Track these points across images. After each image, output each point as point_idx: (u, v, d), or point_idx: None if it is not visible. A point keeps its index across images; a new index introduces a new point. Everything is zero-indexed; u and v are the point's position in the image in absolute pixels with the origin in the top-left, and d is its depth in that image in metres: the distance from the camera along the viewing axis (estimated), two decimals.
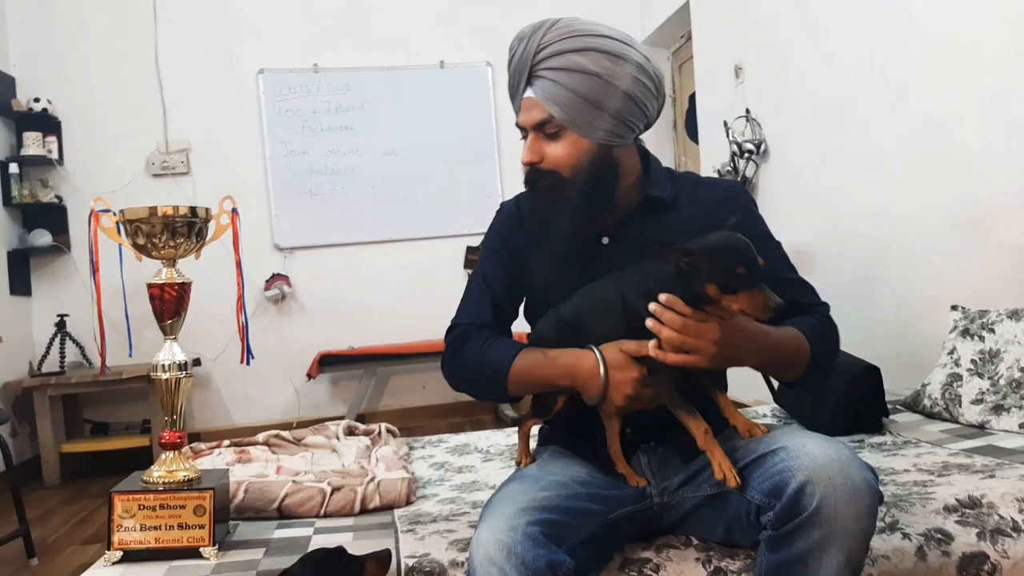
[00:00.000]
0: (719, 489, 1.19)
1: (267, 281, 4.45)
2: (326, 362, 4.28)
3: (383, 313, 4.55)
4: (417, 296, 4.53)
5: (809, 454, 1.07)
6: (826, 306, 1.34)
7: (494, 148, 4.75)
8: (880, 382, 2.00)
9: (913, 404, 2.15)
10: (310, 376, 4.30)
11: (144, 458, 3.81)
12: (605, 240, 1.35)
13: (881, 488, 1.11)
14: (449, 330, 1.42)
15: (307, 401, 4.54)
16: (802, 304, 1.31)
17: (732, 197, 1.38)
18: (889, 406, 2.06)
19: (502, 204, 1.50)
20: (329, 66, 4.63)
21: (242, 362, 1.50)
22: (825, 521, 1.02)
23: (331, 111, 4.65)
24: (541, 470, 1.25)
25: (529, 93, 1.28)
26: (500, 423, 4.30)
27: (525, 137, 1.31)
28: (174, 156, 4.43)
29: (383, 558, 1.17)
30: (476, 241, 4.74)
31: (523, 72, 1.28)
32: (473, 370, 1.36)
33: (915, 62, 2.52)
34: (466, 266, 4.69)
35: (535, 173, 1.30)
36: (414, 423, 4.40)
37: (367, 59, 4.66)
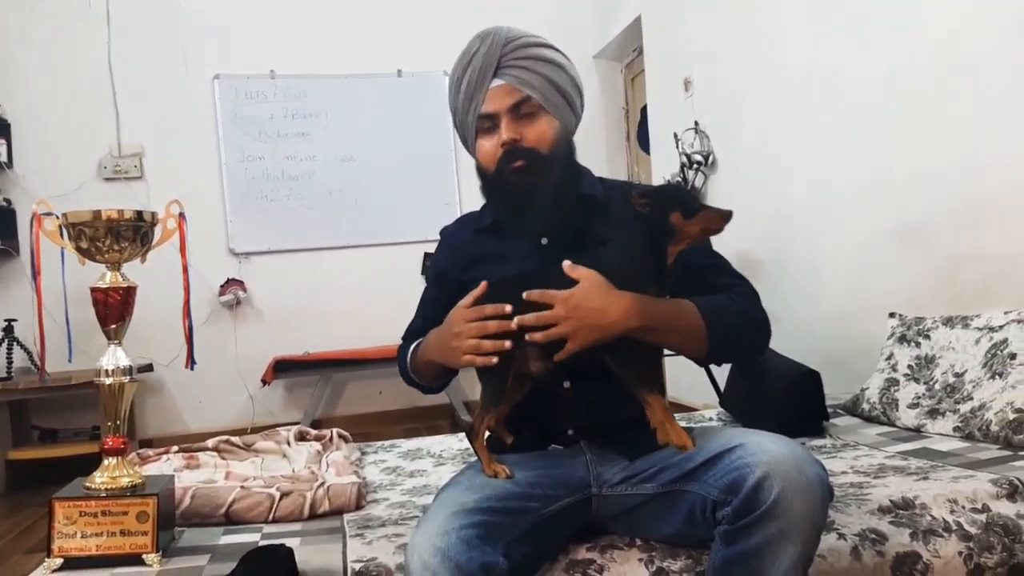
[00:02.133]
0: (665, 489, 1.22)
1: (222, 286, 4.40)
2: (281, 368, 4.24)
3: (339, 319, 4.52)
4: (373, 302, 4.51)
5: (766, 450, 1.10)
6: (742, 285, 1.36)
7: (451, 155, 4.76)
8: (820, 386, 2.06)
9: (852, 408, 2.21)
10: (265, 382, 4.25)
11: (93, 465, 3.71)
12: (544, 241, 1.39)
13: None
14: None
15: (262, 407, 4.49)
16: (717, 284, 1.34)
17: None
18: (829, 410, 2.11)
19: (443, 228, 1.57)
20: (286, 72, 4.60)
21: (187, 367, 1.49)
22: (782, 514, 1.06)
23: (288, 117, 4.62)
24: (473, 476, 1.27)
25: (498, 82, 1.35)
26: (456, 428, 4.31)
27: (490, 128, 1.37)
28: (127, 160, 4.36)
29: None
30: (433, 248, 4.72)
31: (491, 64, 1.35)
32: (400, 367, 1.53)
33: (857, 79, 2.61)
34: (423, 272, 4.69)
35: (515, 151, 1.35)
36: (370, 429, 4.37)
37: (324, 66, 4.64)
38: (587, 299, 1.19)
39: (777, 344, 2.30)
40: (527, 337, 1.20)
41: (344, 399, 4.69)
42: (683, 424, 1.34)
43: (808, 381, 2.04)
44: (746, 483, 1.08)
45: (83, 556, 1.28)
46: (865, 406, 2.16)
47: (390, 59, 4.73)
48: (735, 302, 1.31)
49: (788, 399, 2.01)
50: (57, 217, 1.34)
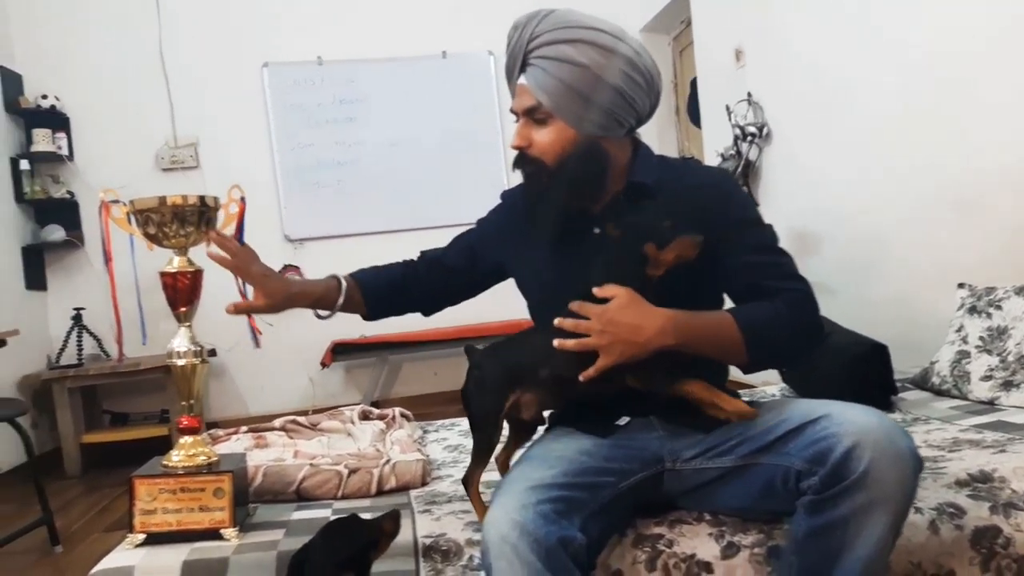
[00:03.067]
0: (743, 461, 1.21)
1: (279, 272, 4.48)
2: (339, 351, 4.32)
3: None
4: None
5: (854, 420, 1.09)
6: (794, 291, 1.27)
7: (498, 136, 4.76)
8: (888, 360, 2.01)
9: (921, 382, 2.16)
10: (324, 365, 4.34)
11: (163, 447, 3.82)
12: (597, 230, 1.36)
13: None
14: None
15: (321, 390, 4.58)
16: (765, 287, 1.27)
17: (714, 184, 1.37)
18: (897, 384, 2.07)
19: (506, 191, 1.55)
20: (333, 58, 4.64)
21: (257, 346, 1.53)
22: (872, 484, 1.04)
23: (335, 103, 4.67)
24: (547, 450, 1.27)
25: (522, 80, 1.31)
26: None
27: (517, 121, 1.35)
28: (183, 150, 4.46)
29: (394, 516, 1.21)
30: None
31: (517, 59, 1.31)
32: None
33: (918, 42, 2.52)
34: None
35: (522, 159, 1.34)
36: (426, 409, 4.42)
37: (370, 50, 4.67)
38: (622, 314, 1.17)
39: (841, 318, 2.27)
40: (556, 344, 1.19)
41: (400, 380, 4.76)
42: (747, 399, 1.33)
43: (875, 355, 1.99)
44: (834, 453, 1.07)
45: (164, 531, 1.33)
46: (935, 379, 2.10)
47: (435, 41, 4.73)
48: (779, 312, 1.24)
49: (855, 374, 1.96)
50: (124, 205, 1.38)
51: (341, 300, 1.42)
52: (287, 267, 4.51)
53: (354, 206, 4.65)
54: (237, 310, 1.35)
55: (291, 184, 4.59)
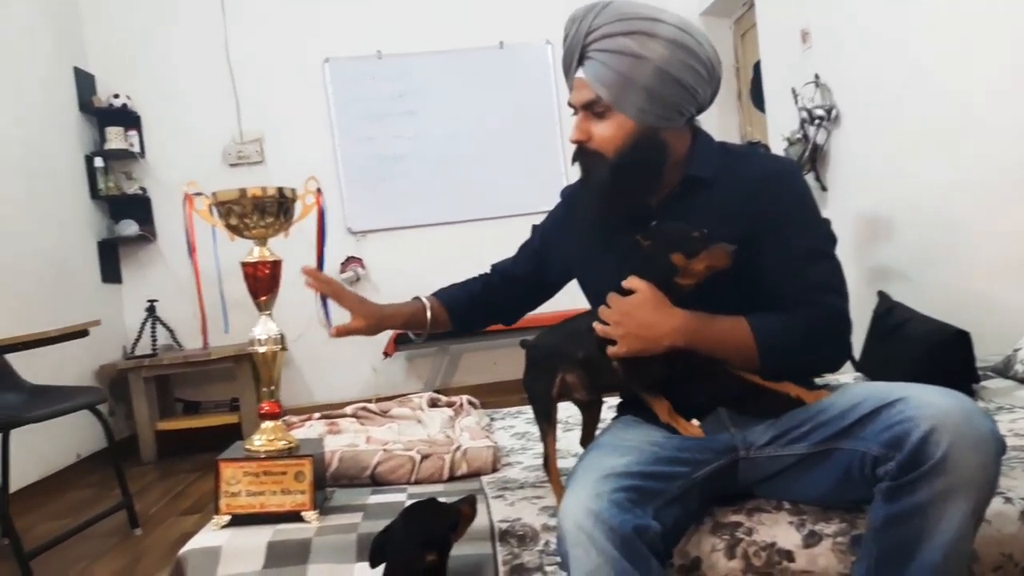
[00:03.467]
0: (818, 448, 1.18)
1: (342, 264, 4.56)
2: (401, 340, 4.38)
3: None
4: None
5: (932, 403, 1.06)
6: (826, 307, 1.25)
7: (556, 126, 4.75)
8: (970, 347, 1.94)
9: (1004, 370, 2.08)
10: (386, 354, 4.41)
11: (233, 435, 3.97)
12: (654, 224, 1.33)
13: None
14: None
15: (384, 379, 4.66)
16: (799, 296, 1.25)
17: (773, 177, 1.32)
18: (979, 372, 2.00)
19: (566, 187, 1.56)
20: (391, 52, 4.68)
21: (326, 327, 1.57)
22: (951, 469, 1.01)
23: (395, 96, 4.72)
24: (618, 439, 1.27)
25: (580, 73, 1.30)
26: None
27: (576, 114, 1.34)
28: (249, 146, 4.57)
29: (471, 500, 1.23)
30: (540, 219, 4.73)
31: (575, 52, 1.29)
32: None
33: (993, 20, 2.41)
34: None
35: (581, 152, 1.33)
36: (486, 398, 4.43)
37: (428, 43, 4.71)
38: (638, 310, 1.21)
39: (917, 304, 2.20)
40: (594, 326, 1.26)
41: (461, 370, 4.80)
42: (820, 384, 1.31)
43: (957, 342, 1.92)
44: (911, 437, 1.03)
45: (248, 513, 1.37)
46: (1018, 367, 2.02)
47: (491, 32, 4.74)
48: (802, 327, 1.23)
49: (934, 362, 1.90)
50: (207, 197, 1.42)
51: (429, 317, 1.52)
52: (350, 259, 4.59)
53: (414, 198, 4.70)
54: (339, 333, 1.44)
55: (352, 177, 4.67)
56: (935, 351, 1.92)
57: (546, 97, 4.76)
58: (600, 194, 1.32)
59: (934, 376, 1.87)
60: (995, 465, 1.04)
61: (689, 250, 1.22)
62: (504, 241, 4.93)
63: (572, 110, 1.34)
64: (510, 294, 1.59)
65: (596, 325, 1.25)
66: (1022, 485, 1.28)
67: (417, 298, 1.56)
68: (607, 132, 1.29)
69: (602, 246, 1.38)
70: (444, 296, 1.59)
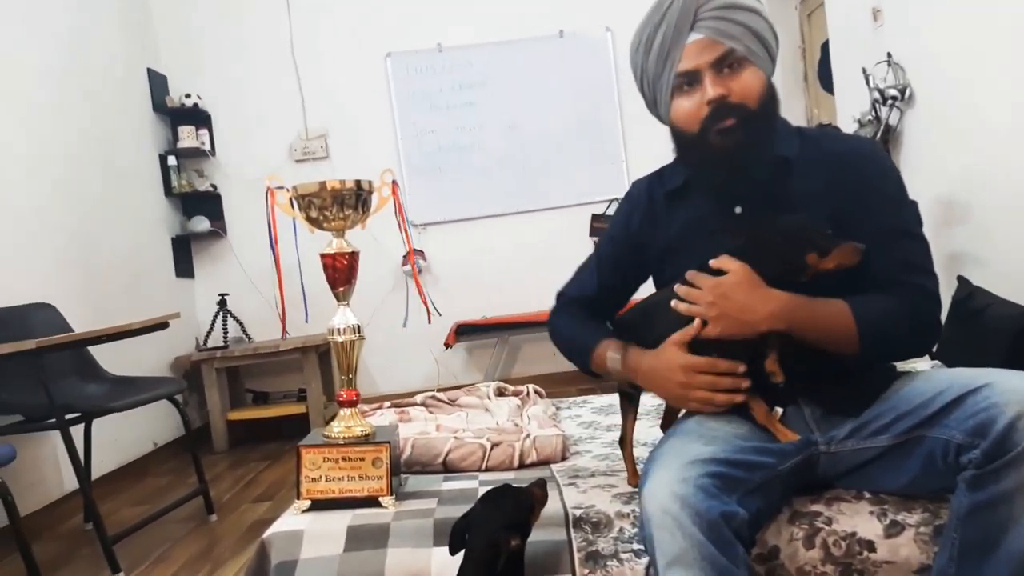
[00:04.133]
0: (901, 439, 1.16)
1: (404, 256, 4.62)
2: (462, 332, 4.42)
3: (513, 283, 4.63)
4: (546, 265, 4.55)
5: (1017, 389, 1.04)
6: (919, 287, 1.24)
7: (616, 114, 4.71)
8: None
9: None
10: (447, 345, 4.45)
11: (301, 424, 4.08)
12: (738, 209, 1.32)
13: None
14: (557, 295, 1.55)
15: (445, 369, 4.71)
16: (891, 276, 1.24)
17: (857, 153, 1.31)
18: None
19: (635, 182, 1.51)
20: (451, 44, 4.71)
21: (429, 322, 1.58)
22: None
23: (455, 88, 4.74)
24: (702, 426, 1.25)
25: (696, 36, 1.26)
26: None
27: (689, 85, 1.29)
28: (314, 142, 4.66)
29: (541, 484, 1.25)
30: (600, 208, 4.73)
31: (687, 17, 1.27)
32: (565, 340, 1.50)
33: None
34: (592, 234, 4.70)
35: (723, 108, 1.25)
36: (546, 389, 4.45)
37: (487, 34, 4.72)
38: (734, 291, 1.20)
39: (997, 288, 2.12)
40: (672, 304, 1.24)
41: (520, 361, 4.82)
42: (901, 372, 1.28)
43: None
44: (996, 424, 1.01)
45: (327, 498, 1.41)
46: None
47: (551, 21, 4.72)
48: (899, 308, 1.21)
49: (1017, 347, 1.84)
50: (288, 190, 1.46)
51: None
52: (412, 251, 4.65)
53: (475, 189, 4.73)
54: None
55: (414, 170, 4.72)
56: (1019, 336, 1.85)
57: (607, 85, 4.73)
58: (747, 148, 1.26)
59: (1017, 361, 1.83)
60: None
61: (822, 249, 1.19)
62: (564, 231, 4.98)
63: (684, 79, 1.28)
64: (613, 304, 1.53)
65: (681, 306, 1.23)
66: None
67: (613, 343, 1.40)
68: (748, 83, 1.26)
69: (718, 222, 1.33)
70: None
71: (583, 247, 4.64)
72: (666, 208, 1.40)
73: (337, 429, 1.45)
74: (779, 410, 1.31)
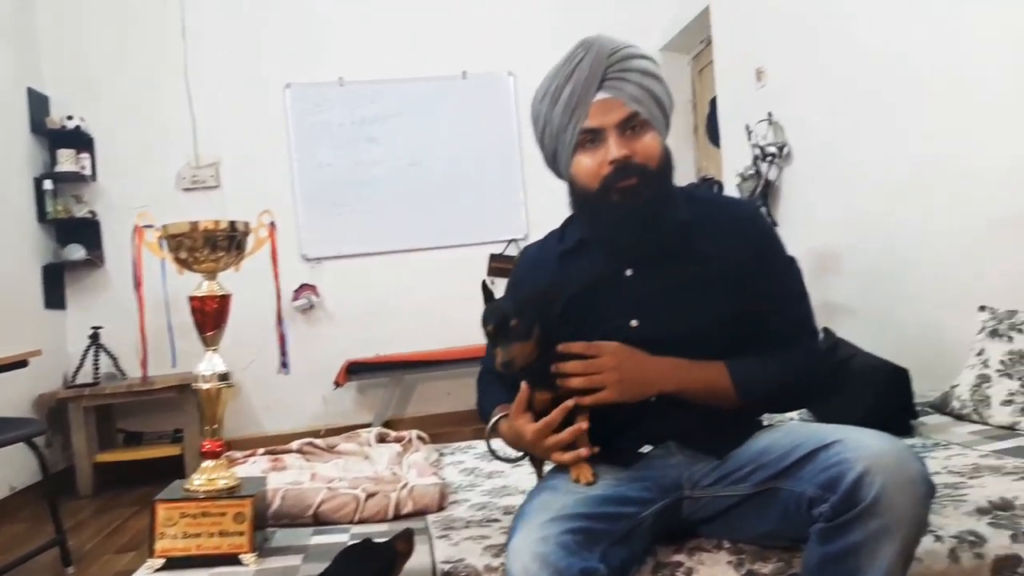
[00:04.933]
0: (759, 488, 1.20)
1: (295, 292, 4.51)
2: (353, 370, 4.33)
3: (409, 321, 4.59)
4: (442, 303, 4.56)
5: (866, 445, 1.09)
6: (803, 348, 1.33)
7: (517, 156, 4.78)
8: (908, 384, 2.00)
9: (942, 406, 2.14)
10: (338, 384, 4.35)
11: (176, 467, 3.88)
12: (629, 272, 1.34)
13: None
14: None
15: (335, 409, 4.59)
16: (778, 336, 1.31)
17: (748, 224, 1.37)
18: (918, 408, 2.05)
19: (524, 248, 1.55)
20: (353, 79, 4.69)
21: (281, 371, 1.55)
22: (883, 511, 1.04)
23: (356, 123, 4.71)
24: (566, 480, 1.26)
25: (603, 95, 1.29)
26: None
27: (592, 142, 1.30)
28: (204, 170, 4.51)
29: (406, 536, 1.22)
30: (499, 249, 4.77)
31: (596, 76, 1.29)
32: (479, 410, 1.52)
33: (943, 64, 2.52)
34: (489, 273, 4.72)
35: (626, 169, 1.28)
36: (440, 429, 4.41)
37: (391, 71, 4.72)
38: (632, 357, 1.25)
39: (862, 339, 2.25)
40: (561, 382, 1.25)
41: (414, 400, 4.76)
42: (765, 425, 1.33)
43: (896, 379, 1.98)
44: (845, 479, 1.06)
45: (184, 556, 1.33)
46: (955, 404, 2.08)
47: (455, 61, 4.77)
48: (778, 369, 1.29)
49: (875, 398, 1.95)
50: (157, 229, 1.40)
51: None
52: (304, 286, 4.54)
53: (373, 225, 4.68)
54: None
55: (310, 203, 4.63)
56: (876, 388, 1.97)
57: (508, 128, 4.80)
58: (643, 210, 1.29)
59: (875, 411, 1.94)
60: (925, 506, 1.07)
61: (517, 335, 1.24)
62: (462, 270, 5.00)
63: (591, 135, 1.30)
64: None
65: (575, 380, 1.24)
66: (952, 523, 1.32)
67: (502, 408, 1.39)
68: (650, 146, 1.30)
69: (612, 278, 1.35)
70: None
71: (480, 287, 4.66)
72: (559, 267, 1.41)
73: (198, 482, 1.38)
74: (646, 447, 1.33)
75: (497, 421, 1.37)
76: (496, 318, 1.23)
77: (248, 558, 1.32)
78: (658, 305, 1.31)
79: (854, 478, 1.05)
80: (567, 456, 1.25)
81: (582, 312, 1.33)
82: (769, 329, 1.31)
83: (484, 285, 1.34)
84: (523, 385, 1.26)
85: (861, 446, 1.09)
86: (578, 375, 1.24)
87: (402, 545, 1.19)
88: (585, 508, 1.15)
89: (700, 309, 1.30)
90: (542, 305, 1.26)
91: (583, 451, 1.24)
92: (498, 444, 1.40)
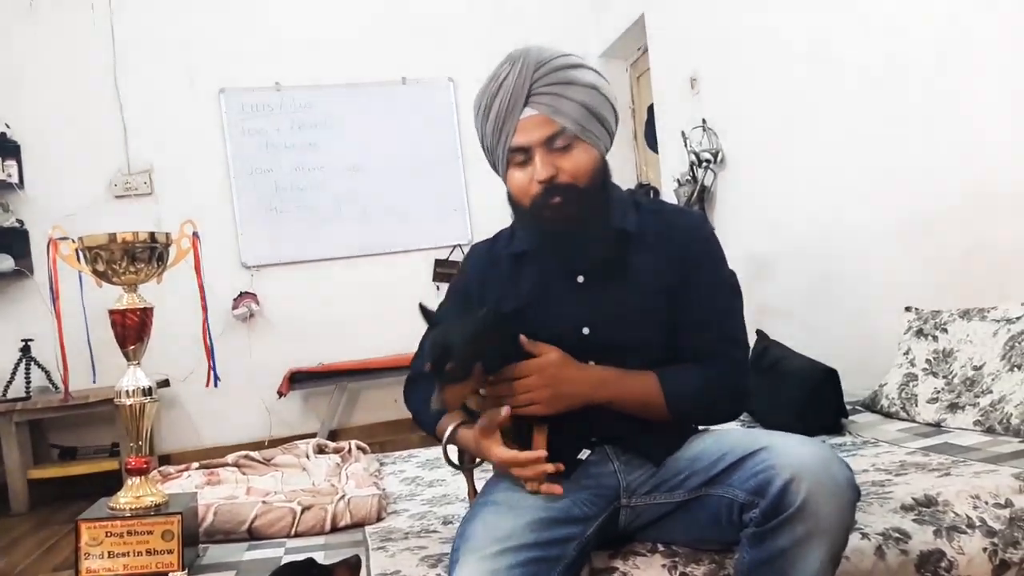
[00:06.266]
0: (693, 495, 1.22)
1: (235, 300, 4.41)
2: (296, 379, 4.26)
3: (352, 328, 4.54)
4: (386, 310, 4.52)
5: (793, 452, 1.11)
6: (728, 358, 1.32)
7: (459, 162, 4.77)
8: (838, 384, 2.05)
9: (871, 404, 2.20)
10: (281, 394, 4.27)
11: (114, 481, 3.75)
12: (580, 279, 1.34)
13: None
14: (408, 376, 1.52)
15: (278, 419, 4.51)
16: (703, 347, 1.31)
17: (694, 234, 1.37)
18: (848, 407, 2.11)
19: (473, 246, 1.52)
20: (291, 84, 4.62)
21: (207, 386, 1.51)
22: (809, 516, 1.06)
23: (294, 128, 4.64)
24: (510, 496, 1.23)
25: (529, 112, 1.26)
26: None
27: (523, 160, 1.29)
28: (136, 177, 4.39)
29: (353, 564, 1.19)
30: (444, 254, 4.75)
31: (521, 92, 1.26)
32: (416, 417, 1.47)
33: (866, 72, 2.60)
34: (435, 279, 4.71)
35: (552, 189, 1.26)
36: (386, 437, 4.38)
37: (329, 76, 4.66)
38: (560, 371, 1.24)
39: (794, 341, 2.31)
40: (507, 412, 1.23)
41: (359, 408, 4.70)
42: (701, 430, 1.35)
43: (826, 379, 2.03)
44: (773, 485, 1.08)
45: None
46: (884, 402, 2.15)
47: (394, 67, 4.74)
48: (706, 380, 1.30)
49: (806, 398, 2.00)
50: (73, 241, 1.35)
51: None
52: (243, 294, 4.45)
53: (313, 232, 4.62)
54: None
55: (248, 210, 4.54)
56: (806, 388, 2.02)
57: (449, 134, 4.79)
58: (578, 228, 1.28)
59: (807, 411, 1.99)
60: (851, 511, 1.10)
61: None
62: (406, 276, 4.96)
63: (518, 155, 1.28)
64: None
65: (523, 410, 1.23)
66: (879, 521, 1.35)
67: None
68: (578, 162, 1.27)
69: (563, 285, 1.34)
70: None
71: (425, 292, 4.65)
72: (512, 268, 1.40)
73: (124, 500, 1.34)
74: (585, 452, 1.34)
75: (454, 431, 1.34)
76: (433, 357, 1.18)
77: None
78: (608, 312, 1.32)
79: (781, 484, 1.07)
80: (530, 487, 1.22)
81: (535, 317, 1.33)
82: (705, 340, 1.31)
83: (422, 308, 1.30)
84: (504, 410, 1.22)
85: (787, 453, 1.11)
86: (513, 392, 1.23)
87: (345, 572, 1.16)
88: (535, 534, 1.13)
89: (648, 317, 1.31)
90: (492, 338, 1.21)
91: (549, 468, 1.21)
92: (452, 451, 1.39)
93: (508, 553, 1.08)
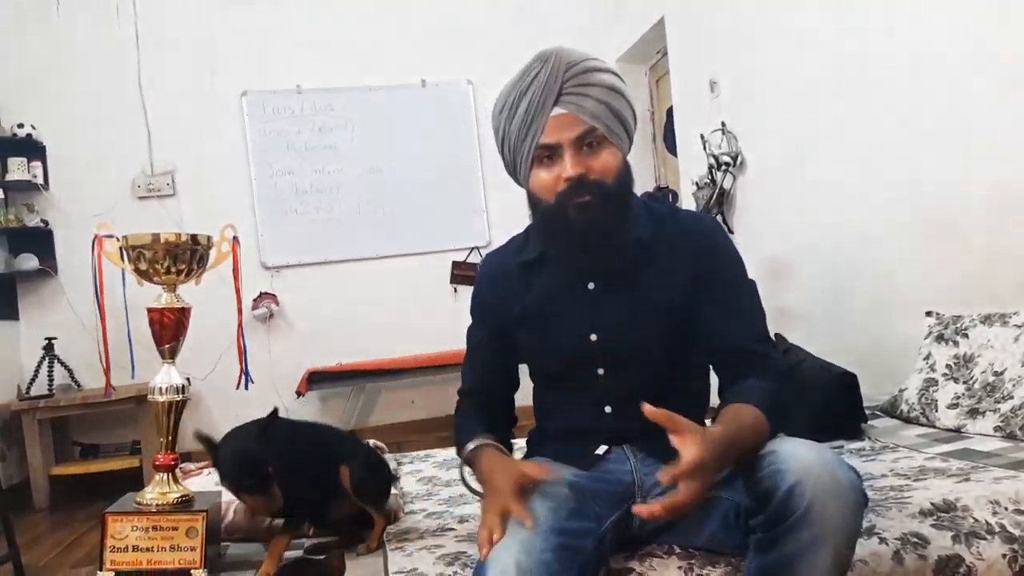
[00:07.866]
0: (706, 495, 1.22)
1: (254, 300, 4.46)
2: (315, 379, 4.29)
3: (371, 329, 4.57)
4: (404, 311, 4.56)
5: (797, 457, 1.10)
6: (773, 359, 1.32)
7: (477, 164, 4.80)
8: (857, 388, 2.04)
9: (890, 409, 2.19)
10: (299, 393, 4.31)
11: (134, 480, 3.81)
12: (591, 286, 1.35)
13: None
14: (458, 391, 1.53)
15: (296, 418, 4.53)
16: (749, 352, 1.30)
17: (708, 238, 1.37)
18: (867, 412, 2.09)
19: (485, 257, 1.54)
20: (312, 86, 4.67)
21: (238, 388, 1.54)
22: (814, 521, 1.05)
23: (315, 131, 4.69)
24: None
25: (559, 110, 1.27)
26: None
27: (549, 158, 1.29)
28: (159, 178, 4.45)
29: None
30: (462, 256, 4.78)
31: (552, 90, 1.27)
32: (455, 435, 1.45)
33: (888, 75, 2.59)
34: (452, 281, 4.73)
35: (581, 186, 1.27)
36: (404, 438, 4.41)
37: (349, 79, 4.71)
38: (714, 467, 1.09)
39: (811, 345, 2.30)
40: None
41: (378, 409, 4.74)
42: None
43: (845, 383, 2.02)
44: (778, 491, 1.08)
45: (133, 570, 1.32)
46: (904, 407, 2.14)
47: (413, 70, 4.78)
48: (775, 388, 1.26)
49: (825, 402, 1.99)
50: (117, 239, 1.38)
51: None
52: (263, 295, 4.50)
53: (332, 233, 4.66)
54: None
55: (269, 211, 4.59)
56: (826, 391, 2.01)
57: (468, 136, 4.81)
58: (604, 226, 1.29)
59: (825, 415, 1.98)
60: (855, 516, 1.09)
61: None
62: (424, 278, 4.97)
63: (545, 151, 1.29)
64: (504, 382, 1.50)
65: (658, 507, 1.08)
66: (897, 526, 1.35)
67: (491, 447, 1.34)
68: (607, 162, 1.28)
69: (573, 292, 1.35)
70: (495, 435, 1.40)
71: (443, 294, 4.68)
72: (521, 277, 1.41)
73: (150, 495, 1.37)
74: (602, 447, 1.34)
75: (473, 453, 1.32)
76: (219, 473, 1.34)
77: (199, 573, 1.31)
78: (617, 320, 1.32)
79: (786, 489, 1.07)
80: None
81: (544, 324, 1.34)
82: (743, 342, 1.29)
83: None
84: (532, 467, 1.19)
85: (792, 458, 1.10)
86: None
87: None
88: (560, 522, 1.13)
89: (656, 326, 1.32)
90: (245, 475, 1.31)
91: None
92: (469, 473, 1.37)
93: (539, 536, 1.09)
